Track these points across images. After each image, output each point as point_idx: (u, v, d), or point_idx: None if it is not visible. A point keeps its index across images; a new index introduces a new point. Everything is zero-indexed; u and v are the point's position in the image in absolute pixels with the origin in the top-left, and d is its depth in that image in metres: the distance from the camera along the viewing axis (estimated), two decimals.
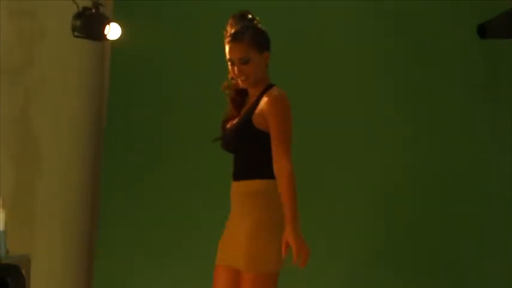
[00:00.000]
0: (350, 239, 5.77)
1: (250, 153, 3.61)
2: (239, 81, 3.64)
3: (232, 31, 3.61)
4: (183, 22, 5.85)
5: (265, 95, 3.59)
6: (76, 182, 5.55)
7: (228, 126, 3.71)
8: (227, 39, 3.63)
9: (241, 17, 3.65)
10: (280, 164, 3.47)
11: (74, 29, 4.98)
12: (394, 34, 5.91)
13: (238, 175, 3.65)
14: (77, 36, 4.99)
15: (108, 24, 4.99)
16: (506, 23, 4.58)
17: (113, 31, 5.03)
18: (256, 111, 3.57)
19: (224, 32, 3.65)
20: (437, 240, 5.81)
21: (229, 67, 3.66)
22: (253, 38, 3.60)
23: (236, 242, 3.60)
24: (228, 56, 3.63)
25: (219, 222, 3.79)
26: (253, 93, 3.66)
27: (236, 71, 3.61)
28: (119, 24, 5.04)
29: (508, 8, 4.60)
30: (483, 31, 4.57)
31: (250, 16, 3.66)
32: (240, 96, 3.73)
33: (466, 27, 4.93)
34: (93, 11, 4.96)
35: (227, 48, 3.63)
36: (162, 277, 5.76)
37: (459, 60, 5.87)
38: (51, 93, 5.49)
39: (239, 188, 3.63)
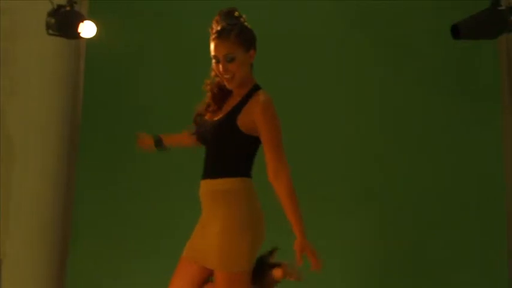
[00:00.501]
0: (341, 240, 5.80)
1: (226, 150, 3.59)
2: (225, 81, 3.61)
3: (218, 28, 3.57)
4: (158, 20, 5.84)
5: (252, 99, 3.57)
6: (50, 182, 5.52)
7: (208, 118, 3.69)
8: (212, 36, 3.58)
9: (228, 14, 3.61)
10: (277, 170, 3.48)
11: (48, 26, 4.94)
12: (370, 36, 5.95)
13: (212, 173, 3.63)
14: (51, 34, 4.96)
15: (83, 22, 4.95)
16: (480, 24, 4.59)
17: (88, 29, 4.99)
18: (243, 114, 3.56)
19: (209, 29, 3.61)
20: (427, 242, 5.84)
21: (214, 65, 3.62)
22: (239, 35, 3.57)
23: (208, 242, 3.59)
24: (213, 53, 3.59)
25: (193, 221, 3.78)
26: (237, 92, 3.65)
27: (221, 69, 3.58)
28: (94, 22, 5.01)
29: (481, 9, 4.61)
30: (457, 31, 4.58)
31: (237, 13, 3.63)
32: (222, 92, 3.70)
33: (441, 27, 4.93)
34: (68, 8, 4.93)
35: (212, 45, 3.58)
36: (135, 276, 5.74)
37: (436, 61, 5.91)
38: (26, 91, 5.45)
39: (213, 186, 3.61)
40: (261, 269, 3.69)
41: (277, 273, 3.69)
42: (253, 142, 3.59)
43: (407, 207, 5.85)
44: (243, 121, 3.56)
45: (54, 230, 5.47)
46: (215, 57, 3.59)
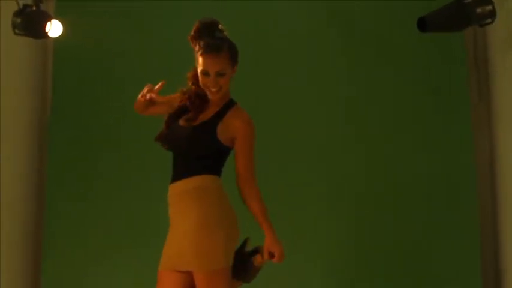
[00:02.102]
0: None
1: (200, 156, 3.65)
2: (209, 93, 3.65)
3: (207, 41, 3.58)
4: (125, 19, 5.82)
5: (232, 112, 3.66)
6: (20, 182, 5.46)
7: (182, 124, 3.70)
8: (203, 50, 3.59)
9: (212, 26, 3.64)
10: (249, 180, 3.62)
11: (14, 26, 4.91)
12: (340, 33, 5.96)
13: (183, 175, 3.66)
14: (17, 34, 4.93)
15: (50, 21, 4.92)
16: (446, 17, 4.61)
17: (55, 28, 4.97)
18: (222, 124, 3.64)
19: (189, 37, 3.63)
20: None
21: (200, 76, 3.64)
22: (230, 51, 3.63)
23: (182, 244, 3.59)
24: (202, 68, 3.61)
25: (166, 222, 3.78)
26: (215, 102, 3.69)
27: (211, 83, 3.61)
28: (61, 21, 4.98)
29: (447, 2, 4.64)
30: (423, 25, 4.60)
31: (220, 26, 3.67)
32: (201, 101, 3.72)
33: (408, 21, 4.95)
34: (34, 8, 4.90)
35: (203, 59, 3.60)
36: (110, 276, 5.71)
37: (405, 55, 5.94)
38: None
39: (185, 186, 3.63)
40: (241, 261, 3.70)
41: (257, 259, 3.71)
42: (227, 151, 3.69)
43: (383, 204, 5.87)
44: (221, 132, 3.64)
45: (26, 233, 5.41)
46: (205, 71, 3.61)
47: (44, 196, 5.60)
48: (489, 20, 4.64)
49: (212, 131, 3.63)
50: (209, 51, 3.58)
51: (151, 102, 3.88)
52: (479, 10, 4.57)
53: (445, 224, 5.80)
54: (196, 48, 3.62)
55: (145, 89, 3.89)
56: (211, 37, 3.60)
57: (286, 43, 5.91)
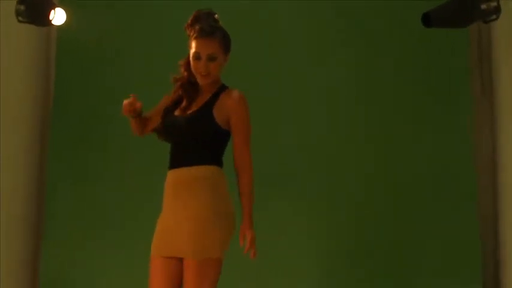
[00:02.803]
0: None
1: (201, 141, 3.67)
2: (199, 77, 3.70)
3: (202, 26, 3.65)
4: (129, 7, 5.82)
5: (225, 94, 3.70)
6: (22, 174, 5.42)
7: (178, 114, 3.74)
8: (197, 34, 3.66)
9: (209, 15, 3.70)
10: (244, 160, 3.65)
11: (18, 14, 4.89)
12: (342, 29, 5.96)
13: (186, 162, 3.67)
14: (21, 22, 4.91)
15: (53, 9, 4.91)
16: (451, 12, 4.61)
17: (58, 16, 4.95)
18: (217, 107, 3.68)
19: (186, 26, 3.69)
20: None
21: (192, 60, 3.70)
22: (223, 38, 3.71)
23: (178, 230, 3.61)
24: (195, 50, 3.67)
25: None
26: (207, 89, 3.74)
27: (201, 66, 3.67)
28: (64, 9, 4.97)
29: None
30: (428, 20, 4.59)
31: (216, 16, 3.73)
32: (193, 88, 3.77)
33: (412, 16, 4.95)
34: None
35: (196, 42, 3.67)
36: (110, 268, 5.74)
37: (408, 51, 5.93)
38: None
39: (188, 174, 3.65)
40: None
41: None
42: (226, 135, 3.72)
43: (383, 201, 5.88)
44: (217, 114, 3.68)
45: (26, 224, 5.39)
46: (197, 54, 3.68)
47: (44, 187, 5.58)
48: (494, 16, 4.64)
49: (209, 114, 3.67)
50: (203, 34, 3.66)
51: (135, 114, 3.86)
52: (484, 6, 4.56)
53: (445, 221, 5.81)
54: (191, 33, 3.69)
55: (124, 106, 3.84)
56: (206, 24, 3.67)
57: (286, 41, 5.92)
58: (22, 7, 4.85)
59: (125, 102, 3.86)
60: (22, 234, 5.33)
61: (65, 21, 4.99)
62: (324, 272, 5.79)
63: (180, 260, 3.65)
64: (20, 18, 4.89)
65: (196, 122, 3.67)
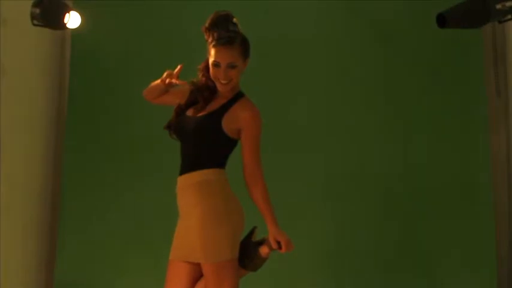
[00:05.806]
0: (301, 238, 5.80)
1: (205, 146, 3.69)
2: (219, 85, 3.70)
3: (221, 34, 3.63)
4: (144, 10, 5.84)
5: (239, 104, 3.69)
6: (37, 174, 5.44)
7: (190, 114, 3.74)
8: (215, 42, 3.64)
9: (227, 19, 3.67)
10: (255, 173, 3.65)
11: (33, 17, 4.90)
12: (358, 30, 5.96)
13: (189, 168, 3.70)
14: (36, 25, 4.92)
15: (68, 12, 4.93)
16: (465, 13, 4.59)
17: (73, 20, 4.97)
18: (228, 116, 3.68)
19: (203, 28, 3.66)
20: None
21: (211, 67, 3.68)
22: (242, 44, 3.69)
23: (190, 235, 3.64)
24: (214, 59, 3.65)
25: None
26: (224, 94, 3.73)
27: (221, 74, 3.66)
28: (79, 12, 4.99)
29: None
30: (442, 20, 4.58)
31: (235, 20, 3.70)
32: (210, 92, 3.78)
33: (427, 16, 4.95)
34: None
35: (215, 51, 3.65)
36: (127, 270, 5.74)
37: (422, 50, 5.93)
38: (10, 83, 5.39)
39: (190, 179, 3.68)
40: (247, 251, 3.73)
41: (263, 250, 3.74)
42: (232, 142, 3.73)
43: (397, 201, 5.87)
44: (227, 122, 3.68)
45: (41, 229, 5.40)
46: (216, 62, 3.66)
47: (59, 189, 5.59)
48: (509, 17, 4.62)
49: (217, 121, 3.67)
50: (222, 43, 3.63)
51: (169, 87, 3.90)
52: (499, 6, 4.54)
53: (461, 221, 5.80)
54: (210, 39, 3.67)
55: (165, 74, 3.90)
56: (225, 29, 3.64)
57: (301, 42, 5.92)
58: (37, 10, 4.86)
59: (170, 71, 3.88)
60: (37, 236, 5.36)
61: (80, 25, 5.01)
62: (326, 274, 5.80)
63: (197, 265, 3.68)
64: (35, 21, 4.90)
65: (202, 127, 3.69)
